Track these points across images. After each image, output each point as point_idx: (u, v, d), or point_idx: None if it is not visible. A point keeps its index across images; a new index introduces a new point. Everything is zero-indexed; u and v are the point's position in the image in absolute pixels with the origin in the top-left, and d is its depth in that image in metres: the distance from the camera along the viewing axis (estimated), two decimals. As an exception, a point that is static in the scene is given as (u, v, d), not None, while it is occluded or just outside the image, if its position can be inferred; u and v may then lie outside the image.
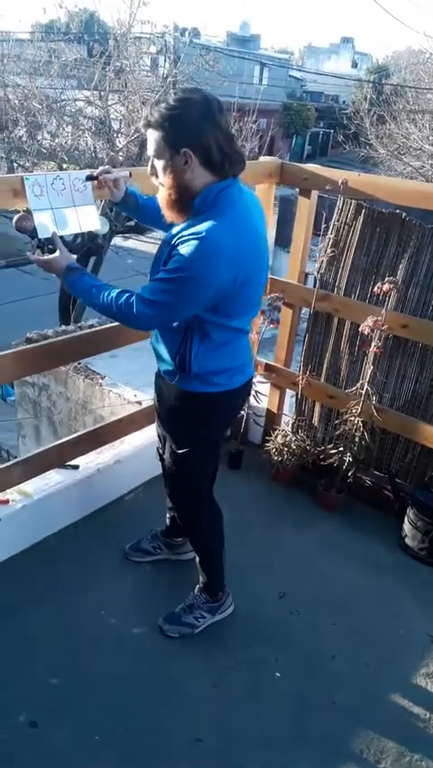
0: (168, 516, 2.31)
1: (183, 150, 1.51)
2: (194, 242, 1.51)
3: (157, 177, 1.61)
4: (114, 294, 1.65)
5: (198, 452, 1.89)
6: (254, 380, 2.91)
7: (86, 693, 1.87)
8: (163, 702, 1.87)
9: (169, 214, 1.63)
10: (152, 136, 1.55)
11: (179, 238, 1.57)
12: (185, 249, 1.52)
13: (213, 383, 1.75)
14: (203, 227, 1.52)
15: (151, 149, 1.58)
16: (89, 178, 1.82)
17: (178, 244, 1.56)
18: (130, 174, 1.86)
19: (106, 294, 1.66)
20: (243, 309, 1.70)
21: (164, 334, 1.77)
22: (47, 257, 1.72)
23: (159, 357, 1.83)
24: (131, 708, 1.84)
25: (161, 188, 1.62)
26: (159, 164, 1.57)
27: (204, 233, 1.51)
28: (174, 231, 1.63)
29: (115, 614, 2.13)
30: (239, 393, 1.85)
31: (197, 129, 1.50)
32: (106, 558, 2.35)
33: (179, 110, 1.50)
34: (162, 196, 1.62)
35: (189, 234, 1.53)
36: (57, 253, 1.72)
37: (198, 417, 1.83)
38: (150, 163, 1.62)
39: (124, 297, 1.64)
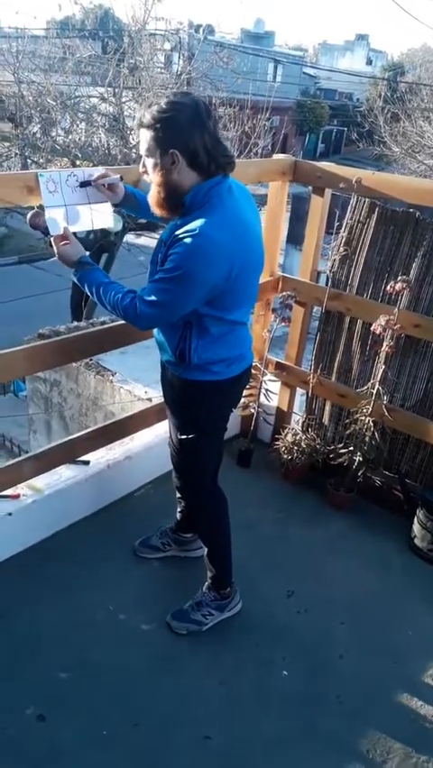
0: (178, 510, 2.32)
1: (171, 151, 1.58)
2: (188, 240, 1.57)
3: (148, 174, 1.68)
4: (120, 294, 1.71)
5: (201, 439, 1.95)
6: (264, 379, 2.92)
7: (94, 688, 1.88)
8: (171, 699, 1.88)
9: (159, 212, 1.70)
10: (144, 136, 1.62)
11: (173, 238, 1.62)
12: (180, 247, 1.58)
13: (212, 372, 1.81)
14: (196, 225, 1.57)
15: (142, 148, 1.65)
16: (83, 184, 1.85)
17: (173, 243, 1.61)
18: (121, 178, 1.90)
19: (113, 294, 1.71)
20: (239, 302, 1.75)
21: (164, 328, 1.83)
22: (61, 245, 1.76)
23: (161, 348, 1.89)
24: (138, 704, 1.85)
25: (152, 186, 1.68)
26: (149, 162, 1.64)
27: (197, 231, 1.56)
28: (169, 231, 1.69)
29: (124, 610, 2.14)
30: (238, 380, 1.92)
31: (185, 132, 1.58)
32: (116, 554, 2.36)
33: (170, 113, 1.57)
34: (152, 193, 1.68)
35: (183, 233, 1.58)
36: (70, 244, 1.77)
37: (199, 404, 1.90)
38: (141, 161, 1.69)
39: (129, 298, 1.70)
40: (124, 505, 2.61)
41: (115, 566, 2.31)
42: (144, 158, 1.66)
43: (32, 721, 1.77)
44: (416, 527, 2.54)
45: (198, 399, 1.89)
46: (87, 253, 1.85)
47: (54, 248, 1.78)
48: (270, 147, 10.29)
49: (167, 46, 10.05)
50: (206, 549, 2.11)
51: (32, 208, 1.79)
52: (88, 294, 1.79)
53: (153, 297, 1.65)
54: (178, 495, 2.27)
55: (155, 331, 1.90)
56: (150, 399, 3.96)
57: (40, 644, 1.99)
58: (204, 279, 1.61)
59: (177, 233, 1.61)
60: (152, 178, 1.65)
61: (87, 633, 2.04)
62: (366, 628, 2.19)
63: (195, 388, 1.85)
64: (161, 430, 2.68)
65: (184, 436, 1.94)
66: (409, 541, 2.56)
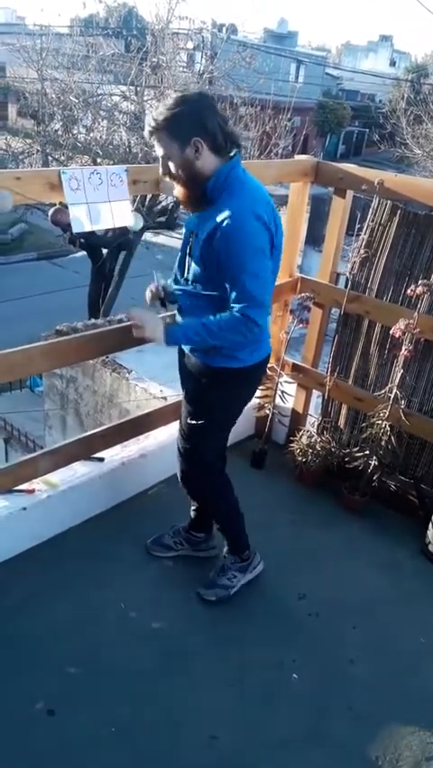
0: (192, 509, 2.32)
1: (193, 140, 1.64)
2: (230, 226, 1.65)
3: (171, 176, 1.74)
4: (218, 318, 1.74)
5: (217, 424, 2.04)
6: (280, 380, 2.90)
7: (103, 685, 1.88)
8: (180, 698, 1.87)
9: (188, 206, 1.79)
10: (161, 138, 1.68)
11: (215, 229, 1.67)
12: (228, 237, 1.65)
13: (237, 359, 1.87)
14: (232, 208, 1.66)
15: (160, 151, 1.70)
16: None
17: (216, 238, 1.68)
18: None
19: (215, 322, 1.75)
20: (269, 281, 1.82)
21: (194, 316, 1.87)
22: (146, 334, 1.87)
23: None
24: (147, 702, 1.85)
25: (177, 185, 1.75)
26: (171, 162, 1.70)
27: (231, 214, 1.65)
28: (199, 221, 1.75)
29: (136, 607, 2.14)
30: (259, 367, 1.98)
31: (200, 118, 1.64)
32: (129, 551, 2.36)
33: (180, 107, 1.63)
34: (179, 191, 1.76)
35: (224, 219, 1.65)
36: (144, 325, 1.87)
37: (224, 390, 1.95)
38: (161, 164, 1.74)
39: (227, 315, 1.73)
40: (138, 502, 2.61)
41: (128, 564, 2.31)
42: (165, 160, 1.71)
43: (42, 715, 1.78)
44: (430, 532, 2.52)
45: (223, 386, 1.94)
46: (160, 317, 1.95)
47: (147, 337, 1.88)
48: (290, 148, 10.24)
49: (190, 45, 10.05)
50: (219, 525, 2.22)
51: (54, 205, 1.80)
52: (199, 342, 1.82)
53: (252, 289, 1.69)
54: (192, 502, 2.28)
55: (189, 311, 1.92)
56: (165, 398, 3.96)
57: (51, 639, 2.00)
58: (264, 245, 1.71)
59: (218, 220, 1.66)
60: (179, 176, 1.71)
61: (97, 629, 2.05)
62: (378, 633, 2.17)
63: (220, 374, 1.90)
64: (176, 429, 2.68)
65: (194, 422, 1.99)
66: (423, 546, 2.54)
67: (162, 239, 12.17)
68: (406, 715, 1.91)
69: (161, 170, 1.75)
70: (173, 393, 2.71)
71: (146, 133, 1.73)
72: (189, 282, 1.87)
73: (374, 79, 27.23)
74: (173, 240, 13.29)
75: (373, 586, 2.37)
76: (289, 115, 9.90)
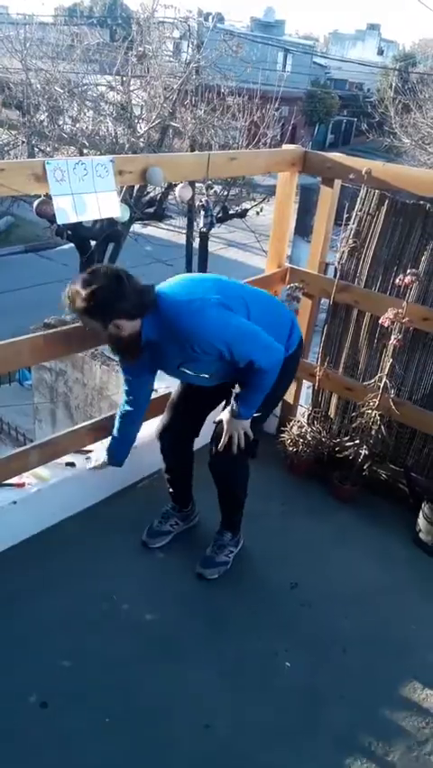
0: (178, 486, 2.38)
1: (113, 323, 1.81)
2: (198, 320, 1.82)
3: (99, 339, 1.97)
4: (263, 374, 1.92)
5: (266, 415, 2.18)
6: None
7: (96, 676, 1.88)
8: (173, 688, 1.88)
9: (121, 356, 2.05)
10: (83, 319, 1.86)
11: (184, 337, 1.84)
12: (200, 330, 1.83)
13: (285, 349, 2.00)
14: (181, 320, 1.82)
15: (86, 326, 1.90)
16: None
17: (190, 339, 1.84)
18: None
19: (261, 379, 1.94)
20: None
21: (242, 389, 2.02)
22: (229, 424, 2.03)
23: (214, 379, 2.06)
24: (141, 692, 1.85)
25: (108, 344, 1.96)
26: (99, 334, 1.89)
27: (185, 315, 1.82)
28: (169, 353, 1.94)
29: (128, 599, 2.14)
30: (298, 353, 2.16)
31: (114, 306, 1.79)
32: (120, 543, 2.36)
33: (95, 299, 1.76)
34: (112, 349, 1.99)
35: (187, 325, 1.83)
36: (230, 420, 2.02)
37: (277, 381, 1.99)
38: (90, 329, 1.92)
39: (256, 367, 1.90)
40: (129, 494, 2.61)
41: (119, 556, 2.31)
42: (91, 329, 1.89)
43: (36, 708, 1.78)
44: (421, 521, 2.54)
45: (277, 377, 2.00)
46: (227, 411, 2.04)
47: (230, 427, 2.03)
48: (279, 137, 10.19)
49: (176, 34, 9.96)
50: (228, 505, 2.29)
51: (39, 196, 1.78)
52: (263, 395, 2.00)
53: (256, 349, 1.88)
54: (175, 474, 2.36)
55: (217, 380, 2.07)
56: (155, 390, 3.94)
57: (43, 632, 1.99)
58: (230, 310, 1.88)
59: (180, 329, 1.83)
60: (107, 345, 1.95)
61: (90, 621, 2.05)
62: (370, 622, 2.18)
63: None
64: (167, 421, 2.67)
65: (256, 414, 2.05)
66: (414, 535, 2.56)
67: (151, 230, 12.10)
68: (398, 702, 1.93)
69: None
70: (162, 385, 2.69)
71: (70, 308, 1.85)
72: (199, 377, 2.03)
73: (362, 68, 27.16)
74: (162, 231, 13.24)
75: (365, 575, 2.38)
76: (277, 105, 9.87)
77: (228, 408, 2.03)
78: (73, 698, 1.82)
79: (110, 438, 2.33)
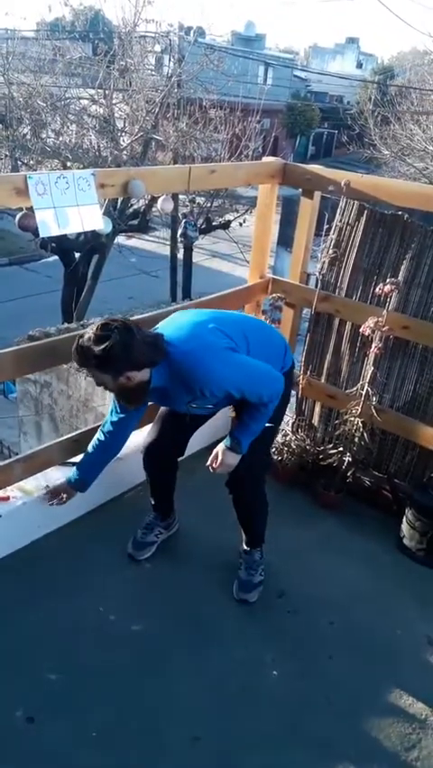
0: (161, 496, 2.38)
1: (124, 375, 1.81)
2: (203, 365, 1.85)
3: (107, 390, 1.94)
4: (267, 405, 1.97)
5: (275, 430, 2.24)
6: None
7: (83, 690, 1.87)
8: (161, 700, 1.87)
9: (127, 404, 2.01)
10: (93, 372, 1.85)
11: (194, 384, 1.87)
12: (212, 378, 1.87)
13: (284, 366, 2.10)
14: (192, 370, 1.85)
15: (95, 379, 1.89)
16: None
17: (205, 389, 1.88)
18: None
19: (266, 410, 1.98)
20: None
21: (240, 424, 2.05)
22: (226, 458, 2.02)
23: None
24: (128, 705, 1.85)
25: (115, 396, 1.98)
26: (107, 386, 1.88)
27: (196, 365, 1.85)
28: (172, 388, 1.93)
29: (114, 611, 2.13)
30: (291, 375, 2.22)
31: (127, 360, 1.78)
32: (106, 556, 2.36)
33: (108, 355, 1.74)
34: (120, 399, 2.01)
35: (199, 382, 1.87)
36: (228, 453, 2.02)
37: (282, 397, 2.06)
38: (98, 381, 1.90)
39: (264, 401, 1.96)
40: (115, 506, 2.61)
41: (106, 568, 2.31)
42: (100, 381, 1.87)
43: (22, 723, 1.76)
44: (405, 527, 2.56)
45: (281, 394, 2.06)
46: (232, 443, 2.04)
47: (226, 461, 2.02)
48: (260, 149, 10.30)
49: (157, 48, 10.05)
50: (253, 521, 2.29)
51: (22, 210, 1.80)
52: (262, 425, 2.04)
53: (263, 387, 1.94)
54: (160, 487, 2.37)
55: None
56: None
57: (29, 645, 1.98)
58: (231, 349, 1.92)
59: (191, 378, 1.86)
60: (115, 394, 1.95)
61: (76, 634, 2.04)
62: (356, 628, 2.20)
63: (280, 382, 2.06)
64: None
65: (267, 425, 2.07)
66: (398, 540, 2.58)
67: (135, 242, 12.14)
68: (384, 707, 1.94)
69: (97, 383, 1.91)
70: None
71: (78, 365, 1.87)
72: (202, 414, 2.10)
73: (342, 81, 27.51)
74: (146, 242, 13.28)
75: (350, 581, 2.40)
76: (258, 117, 9.97)
77: (228, 442, 2.02)
78: (60, 712, 1.81)
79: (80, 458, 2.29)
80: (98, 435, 2.22)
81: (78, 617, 2.10)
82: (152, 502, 2.40)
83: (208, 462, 2.05)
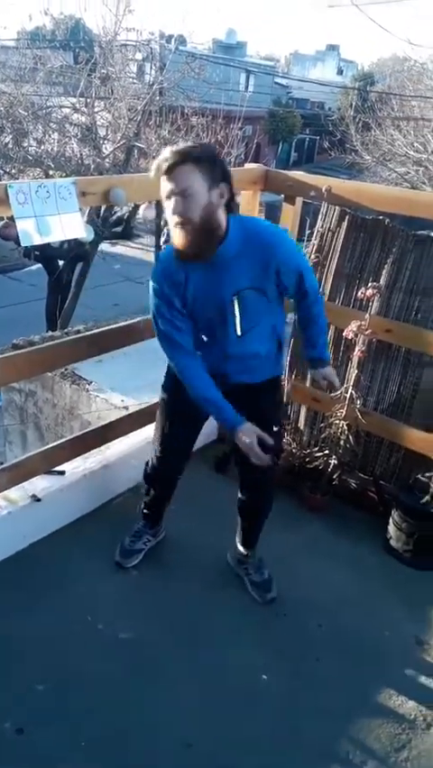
0: (156, 506, 2.35)
1: (222, 185, 1.64)
2: (280, 240, 1.82)
3: (182, 214, 1.62)
4: (322, 305, 2.10)
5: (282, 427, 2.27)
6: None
7: (72, 699, 1.86)
8: (152, 707, 1.87)
9: (195, 248, 1.68)
10: (189, 172, 1.59)
11: (267, 263, 1.77)
12: (286, 248, 1.83)
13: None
14: (269, 232, 1.80)
15: (183, 184, 1.60)
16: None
17: (277, 256, 1.78)
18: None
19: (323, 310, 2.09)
20: None
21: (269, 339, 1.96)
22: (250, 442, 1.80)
23: (266, 363, 1.98)
24: (118, 713, 1.84)
25: (181, 231, 1.65)
26: (192, 200, 1.61)
27: (273, 229, 1.83)
28: (230, 280, 1.77)
29: (102, 619, 2.13)
30: None
31: (221, 163, 1.67)
32: (94, 563, 2.35)
33: (214, 152, 1.66)
34: (184, 237, 1.66)
35: (271, 248, 1.78)
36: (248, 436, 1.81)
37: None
38: (176, 202, 1.62)
39: (318, 297, 2.05)
40: (102, 514, 2.60)
41: (93, 576, 2.30)
42: (183, 195, 1.60)
43: (11, 735, 1.75)
44: (391, 528, 2.58)
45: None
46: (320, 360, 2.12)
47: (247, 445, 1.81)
48: (243, 156, 10.35)
49: (138, 56, 10.08)
50: (260, 520, 2.30)
51: (3, 219, 1.80)
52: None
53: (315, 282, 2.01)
54: (158, 501, 2.33)
55: (259, 352, 1.93)
56: (126, 407, 3.95)
57: (17, 655, 1.97)
58: None
59: (266, 250, 1.76)
60: (193, 216, 1.62)
61: (65, 644, 2.03)
62: (344, 631, 2.20)
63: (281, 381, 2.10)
64: (138, 438, 2.69)
65: (277, 428, 2.05)
66: (385, 542, 2.60)
67: (120, 249, 12.13)
68: (374, 708, 1.95)
69: (174, 208, 1.62)
70: (134, 402, 2.71)
71: (167, 162, 1.60)
72: (247, 332, 1.87)
73: (323, 88, 27.75)
74: (130, 249, 13.26)
75: (338, 583, 2.41)
76: (240, 124, 10.02)
77: (323, 361, 2.08)
78: (49, 722, 1.79)
79: (215, 406, 1.85)
80: (200, 378, 1.85)
81: (66, 626, 2.09)
82: (145, 512, 2.38)
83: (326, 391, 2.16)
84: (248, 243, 1.74)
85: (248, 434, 1.79)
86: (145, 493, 2.34)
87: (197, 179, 1.60)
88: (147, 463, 2.27)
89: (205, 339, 1.89)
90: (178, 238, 1.68)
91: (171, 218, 1.66)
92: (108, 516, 2.59)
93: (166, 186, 1.64)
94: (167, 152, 1.61)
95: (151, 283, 1.83)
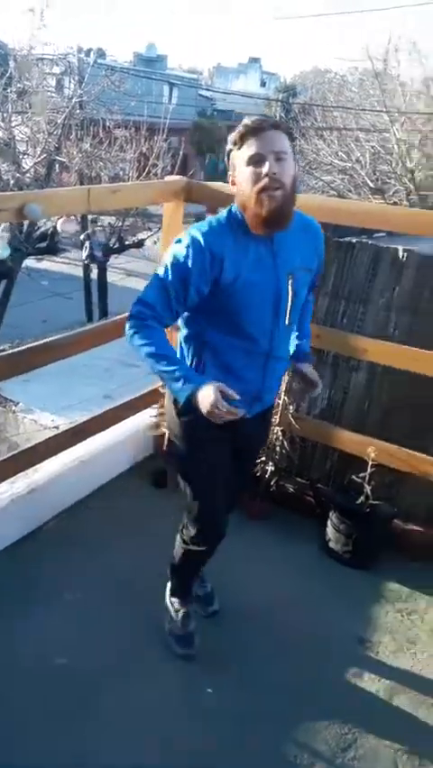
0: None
1: (296, 157, 1.70)
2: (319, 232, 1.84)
3: (279, 177, 1.55)
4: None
5: None
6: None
7: (10, 739, 1.78)
8: (94, 737, 1.81)
9: (286, 214, 1.60)
10: (285, 138, 1.59)
11: (317, 247, 1.81)
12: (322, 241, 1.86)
13: None
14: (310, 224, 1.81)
15: (282, 145, 1.57)
16: None
17: (318, 251, 1.83)
18: None
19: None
20: None
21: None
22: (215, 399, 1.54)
23: (270, 391, 1.88)
24: (56, 743, 1.77)
25: (279, 189, 1.55)
26: (287, 164, 1.57)
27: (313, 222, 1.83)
28: (287, 257, 1.67)
29: (34, 650, 2.04)
30: None
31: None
32: (25, 594, 2.25)
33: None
34: (281, 194, 1.56)
35: (317, 235, 1.82)
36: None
37: None
38: (271, 162, 1.54)
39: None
40: (32, 542, 2.49)
41: (24, 608, 2.21)
42: (277, 160, 1.55)
43: None
44: (330, 530, 2.61)
45: None
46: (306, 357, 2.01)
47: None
48: (169, 168, 10.38)
49: (56, 70, 9.96)
50: None
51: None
52: None
53: None
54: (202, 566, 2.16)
55: (266, 381, 1.79)
56: (57, 427, 3.85)
57: None
58: None
59: (315, 236, 1.80)
60: (285, 180, 1.56)
61: (8, 677, 1.94)
62: (287, 634, 2.21)
63: None
64: (69, 458, 2.61)
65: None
66: (324, 544, 2.63)
67: (47, 264, 11.89)
68: (319, 711, 1.96)
69: (269, 169, 1.54)
70: (65, 422, 2.63)
71: (266, 122, 1.58)
72: (292, 324, 1.76)
73: (247, 99, 28.25)
74: (58, 264, 13.02)
75: (279, 587, 2.42)
76: (165, 136, 10.05)
77: (305, 362, 1.96)
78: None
79: (173, 363, 1.63)
80: (153, 335, 1.64)
81: (12, 655, 1.99)
82: (183, 590, 2.13)
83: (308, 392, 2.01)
84: (299, 222, 1.70)
85: (212, 391, 1.52)
86: (183, 574, 2.12)
87: (289, 147, 1.60)
88: (184, 541, 2.01)
89: (242, 341, 1.69)
90: (268, 202, 1.55)
91: (259, 183, 1.55)
92: (39, 543, 2.48)
93: (264, 145, 1.55)
94: (254, 118, 1.59)
95: (190, 235, 1.63)
